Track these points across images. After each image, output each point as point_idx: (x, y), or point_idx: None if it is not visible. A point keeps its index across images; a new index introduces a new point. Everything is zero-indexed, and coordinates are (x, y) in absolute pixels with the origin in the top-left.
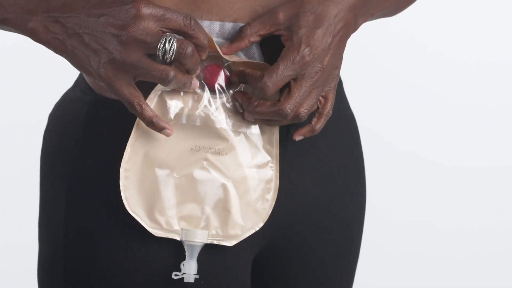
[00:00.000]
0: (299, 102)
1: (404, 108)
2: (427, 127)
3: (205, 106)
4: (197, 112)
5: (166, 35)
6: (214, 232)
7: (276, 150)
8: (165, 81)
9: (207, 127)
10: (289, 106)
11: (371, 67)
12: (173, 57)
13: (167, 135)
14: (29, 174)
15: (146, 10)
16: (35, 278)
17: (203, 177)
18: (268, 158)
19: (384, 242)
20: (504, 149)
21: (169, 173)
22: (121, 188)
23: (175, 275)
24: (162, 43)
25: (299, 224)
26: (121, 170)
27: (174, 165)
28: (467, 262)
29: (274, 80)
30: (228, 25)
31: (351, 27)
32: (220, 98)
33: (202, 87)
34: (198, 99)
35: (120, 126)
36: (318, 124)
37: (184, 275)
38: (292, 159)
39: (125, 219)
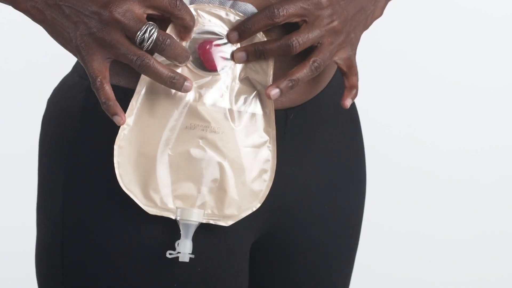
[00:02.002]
0: (307, 38)
1: (402, 90)
2: (425, 110)
3: (201, 83)
4: (193, 89)
5: (149, 23)
6: (210, 211)
7: (273, 131)
8: (139, 67)
9: (202, 104)
10: (300, 38)
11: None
12: (150, 46)
13: (117, 122)
14: (28, 160)
15: None
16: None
17: (199, 156)
18: (266, 138)
19: (384, 225)
20: (502, 130)
21: (164, 150)
22: (115, 165)
23: (170, 253)
24: (142, 31)
25: (297, 211)
26: (115, 147)
27: (169, 143)
28: (467, 244)
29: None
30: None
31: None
32: (217, 74)
33: (198, 65)
34: (195, 77)
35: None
36: (354, 82)
37: (178, 254)
38: (291, 145)
39: (123, 204)
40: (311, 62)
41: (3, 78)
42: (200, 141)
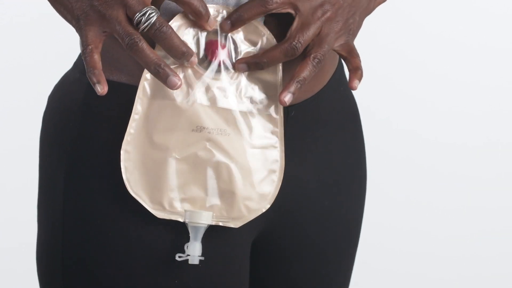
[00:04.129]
0: (307, 35)
1: (403, 86)
2: (427, 106)
3: (208, 84)
4: (198, 91)
5: (151, 7)
6: (218, 213)
7: (281, 130)
8: (127, 46)
9: (209, 106)
10: (301, 39)
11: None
12: (146, 29)
13: (98, 91)
14: (29, 156)
15: None
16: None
17: (206, 158)
18: (273, 138)
19: (383, 222)
20: (504, 127)
21: (171, 154)
22: (122, 170)
23: (179, 256)
24: (141, 13)
25: (297, 208)
26: (122, 152)
27: (176, 147)
28: (468, 240)
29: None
30: None
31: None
32: (224, 75)
33: (204, 65)
34: (200, 77)
35: (118, 107)
36: (357, 64)
37: (188, 257)
38: (291, 143)
39: (124, 202)
40: (311, 59)
41: (3, 75)
42: (207, 143)
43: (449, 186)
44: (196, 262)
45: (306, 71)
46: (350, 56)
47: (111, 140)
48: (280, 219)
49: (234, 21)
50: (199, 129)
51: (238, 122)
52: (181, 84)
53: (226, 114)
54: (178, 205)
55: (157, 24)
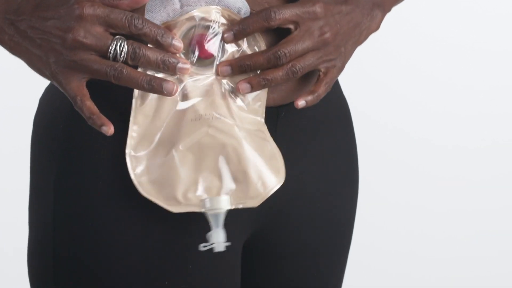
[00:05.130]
0: (295, 50)
1: (396, 88)
2: (419, 107)
3: (199, 76)
4: (192, 82)
5: (116, 38)
6: (235, 196)
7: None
8: (114, 77)
9: (203, 95)
10: (287, 50)
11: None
12: (125, 58)
13: (106, 132)
14: (20, 159)
15: (89, 11)
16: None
17: (211, 144)
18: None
19: (376, 223)
20: (497, 128)
21: (176, 147)
22: (131, 175)
23: (204, 246)
24: (113, 47)
25: (289, 209)
26: (127, 158)
27: (179, 139)
28: (461, 241)
29: (282, 12)
30: None
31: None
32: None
33: (193, 58)
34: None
35: (108, 107)
36: (319, 89)
37: (213, 245)
38: (282, 143)
39: (114, 202)
40: (289, 66)
41: None
42: (209, 130)
43: (443, 188)
44: (222, 248)
45: (276, 74)
46: (323, 81)
47: (100, 141)
48: (272, 220)
49: (237, 33)
50: (198, 117)
51: (233, 106)
52: (177, 88)
53: (221, 99)
54: (192, 196)
55: (130, 49)
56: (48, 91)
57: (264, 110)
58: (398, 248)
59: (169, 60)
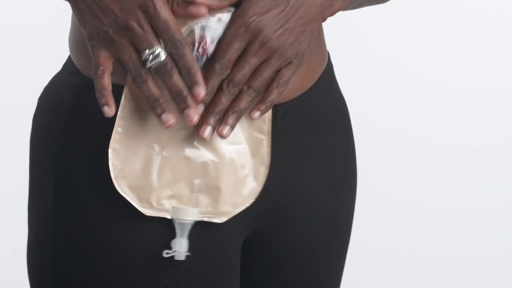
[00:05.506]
0: (244, 73)
1: (394, 88)
2: (418, 107)
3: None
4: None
5: (160, 45)
6: (204, 209)
7: (268, 126)
8: (134, 78)
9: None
10: (235, 78)
11: (360, 48)
12: (152, 67)
13: (106, 113)
14: (19, 159)
15: (158, 7)
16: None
17: (194, 155)
18: (260, 134)
19: (375, 223)
20: (496, 128)
21: (159, 152)
22: (110, 169)
23: (166, 253)
24: (151, 52)
25: (288, 208)
26: (110, 150)
27: (164, 144)
28: (461, 242)
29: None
30: None
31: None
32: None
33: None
34: None
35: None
36: (270, 96)
37: (175, 253)
38: (280, 142)
39: (113, 200)
40: (246, 89)
41: None
42: (195, 141)
43: (442, 188)
44: (183, 258)
45: (241, 103)
46: (274, 83)
47: (99, 140)
48: (271, 219)
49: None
50: (187, 127)
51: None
52: (173, 123)
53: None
54: (165, 202)
55: (162, 64)
56: (47, 90)
57: (269, 118)
58: (398, 248)
59: (184, 99)
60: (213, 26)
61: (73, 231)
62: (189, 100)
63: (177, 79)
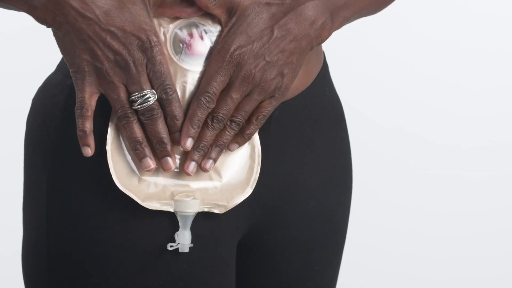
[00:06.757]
0: (228, 108)
1: (392, 87)
2: (415, 105)
3: (185, 77)
4: (178, 85)
5: (151, 91)
6: (205, 200)
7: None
8: (119, 117)
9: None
10: (220, 113)
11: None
12: (139, 109)
13: (84, 153)
14: (14, 160)
15: (158, 51)
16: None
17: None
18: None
19: (372, 222)
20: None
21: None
22: (110, 168)
23: (170, 246)
24: (140, 95)
25: (283, 208)
26: (108, 150)
27: None
28: (458, 241)
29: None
30: None
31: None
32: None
33: (185, 57)
34: (183, 71)
35: (99, 108)
36: (249, 129)
37: (178, 246)
38: (276, 142)
39: (107, 199)
40: (229, 123)
41: None
42: None
43: (440, 188)
44: (186, 250)
45: (224, 137)
46: (252, 118)
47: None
48: (266, 218)
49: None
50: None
51: None
52: (153, 168)
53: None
54: (167, 195)
55: (149, 108)
56: (41, 91)
57: None
58: (396, 248)
59: (164, 147)
60: (203, 24)
61: (67, 231)
62: (169, 149)
63: (161, 126)
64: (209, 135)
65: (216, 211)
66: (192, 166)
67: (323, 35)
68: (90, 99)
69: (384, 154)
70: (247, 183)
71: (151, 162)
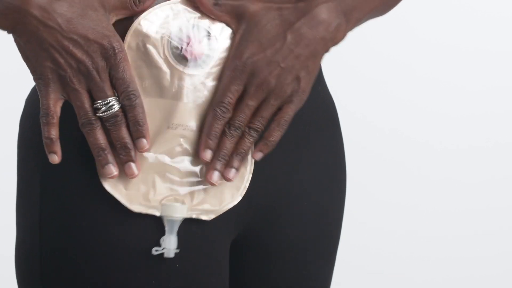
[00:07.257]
0: (245, 116)
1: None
2: (410, 106)
3: (181, 81)
4: (173, 88)
5: (114, 98)
6: (192, 206)
7: None
8: (82, 125)
9: (184, 103)
10: (236, 121)
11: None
12: (103, 116)
13: (52, 160)
14: (8, 160)
15: (120, 56)
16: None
17: (180, 154)
18: None
19: (367, 223)
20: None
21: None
22: (98, 169)
23: (156, 250)
24: (104, 102)
25: (277, 208)
26: None
27: (152, 143)
28: (458, 242)
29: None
30: None
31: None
32: (199, 70)
33: (180, 59)
34: (175, 73)
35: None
36: (271, 136)
37: (164, 250)
38: None
39: (100, 200)
40: (248, 130)
41: None
42: (181, 139)
43: (437, 189)
44: (172, 255)
45: (244, 145)
46: (274, 123)
47: (85, 141)
48: (260, 219)
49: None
50: (174, 126)
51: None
52: (116, 175)
53: (197, 109)
54: (154, 199)
55: (113, 115)
56: (34, 92)
57: None
58: (392, 249)
59: (128, 152)
60: (201, 26)
61: (60, 232)
62: (133, 154)
63: (124, 132)
64: (228, 143)
65: (204, 217)
66: (215, 175)
67: (338, 36)
68: (55, 105)
69: (380, 154)
70: (237, 190)
71: (113, 169)
